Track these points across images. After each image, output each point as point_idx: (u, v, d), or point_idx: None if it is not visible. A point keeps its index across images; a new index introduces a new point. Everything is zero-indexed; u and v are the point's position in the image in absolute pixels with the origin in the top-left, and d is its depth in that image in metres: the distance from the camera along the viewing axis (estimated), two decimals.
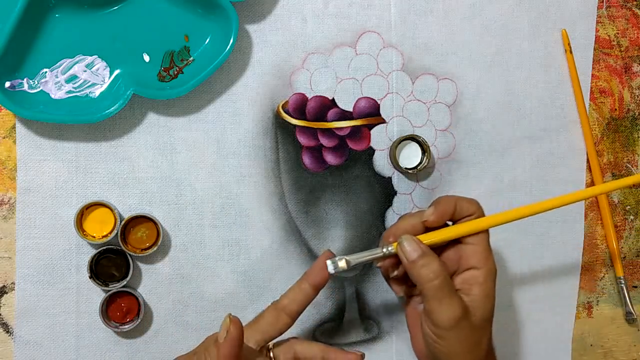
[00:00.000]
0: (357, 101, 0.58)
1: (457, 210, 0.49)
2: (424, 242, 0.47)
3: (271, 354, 0.49)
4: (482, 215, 0.49)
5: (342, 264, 0.48)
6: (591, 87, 0.62)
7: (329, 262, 0.48)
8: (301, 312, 0.49)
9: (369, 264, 0.58)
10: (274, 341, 0.49)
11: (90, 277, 0.53)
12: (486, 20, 0.60)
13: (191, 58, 0.55)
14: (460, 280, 0.48)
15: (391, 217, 0.59)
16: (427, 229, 0.49)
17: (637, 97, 0.62)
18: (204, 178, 0.57)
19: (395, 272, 0.50)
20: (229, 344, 0.43)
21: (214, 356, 0.44)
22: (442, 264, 0.47)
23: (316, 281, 0.48)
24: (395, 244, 0.48)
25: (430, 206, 0.49)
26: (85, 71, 0.54)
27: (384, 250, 0.48)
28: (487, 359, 0.49)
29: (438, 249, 0.49)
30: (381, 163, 0.59)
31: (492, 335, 0.51)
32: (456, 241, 0.49)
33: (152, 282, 0.56)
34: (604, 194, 0.61)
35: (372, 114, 0.58)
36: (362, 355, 0.50)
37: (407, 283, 0.51)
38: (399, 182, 0.59)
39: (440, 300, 0.46)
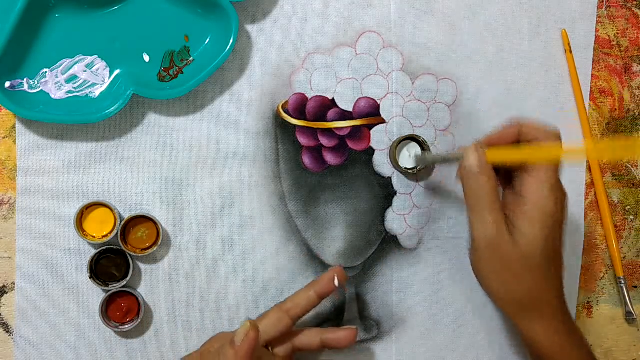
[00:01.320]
0: (357, 101, 0.58)
1: (523, 134, 0.47)
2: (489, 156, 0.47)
3: (270, 350, 0.51)
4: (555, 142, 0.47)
5: (419, 156, 0.54)
6: (591, 87, 0.62)
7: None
8: (303, 317, 0.52)
9: None
10: None
11: (90, 277, 0.53)
12: (486, 20, 0.60)
13: (191, 58, 0.55)
14: (512, 209, 0.47)
15: (391, 217, 0.59)
16: None
17: (637, 97, 0.62)
18: (204, 178, 0.57)
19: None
20: (247, 345, 0.45)
21: (230, 357, 0.45)
22: (494, 181, 0.46)
23: (322, 291, 0.52)
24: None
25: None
26: (85, 71, 0.54)
27: (456, 155, 0.50)
28: (532, 306, 0.47)
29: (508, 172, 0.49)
30: (381, 163, 0.59)
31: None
32: (523, 169, 0.47)
33: (152, 282, 0.56)
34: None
35: (372, 114, 0.58)
36: (356, 329, 0.52)
37: None
38: (399, 182, 0.59)
39: (478, 214, 0.46)
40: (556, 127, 0.47)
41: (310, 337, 0.52)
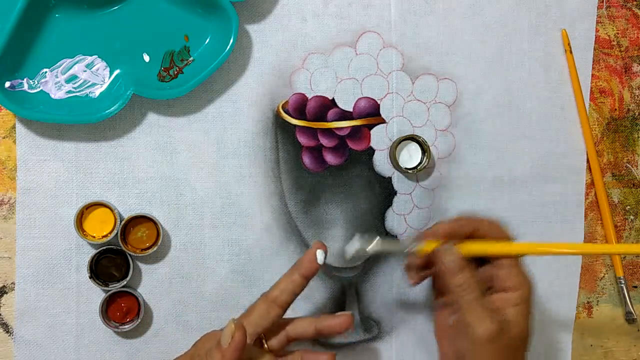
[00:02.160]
0: (357, 101, 0.58)
1: (479, 231, 0.49)
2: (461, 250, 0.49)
3: (265, 345, 0.50)
4: (510, 238, 0.50)
5: (371, 245, 0.50)
6: (591, 87, 0.62)
7: (350, 245, 0.51)
8: (292, 302, 0.50)
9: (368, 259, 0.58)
10: None
11: (90, 277, 0.53)
12: (486, 20, 0.60)
13: (191, 58, 0.55)
14: (494, 300, 0.48)
15: (391, 217, 0.59)
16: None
17: (637, 97, 0.62)
18: (204, 178, 0.57)
19: (420, 274, 0.52)
20: (233, 349, 0.44)
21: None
22: (476, 276, 0.48)
23: (306, 272, 0.50)
24: (424, 244, 0.49)
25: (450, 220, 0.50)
26: (85, 71, 0.54)
27: (411, 247, 0.50)
28: None
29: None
30: (381, 163, 0.59)
31: None
32: (487, 261, 0.49)
33: (152, 282, 0.56)
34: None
35: (372, 114, 0.58)
36: (352, 315, 0.51)
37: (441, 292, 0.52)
38: (399, 182, 0.59)
39: (472, 312, 0.46)
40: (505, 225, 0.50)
41: (304, 326, 0.51)
